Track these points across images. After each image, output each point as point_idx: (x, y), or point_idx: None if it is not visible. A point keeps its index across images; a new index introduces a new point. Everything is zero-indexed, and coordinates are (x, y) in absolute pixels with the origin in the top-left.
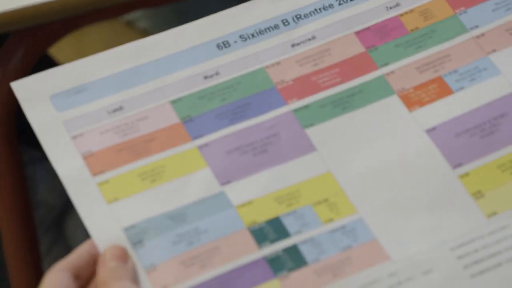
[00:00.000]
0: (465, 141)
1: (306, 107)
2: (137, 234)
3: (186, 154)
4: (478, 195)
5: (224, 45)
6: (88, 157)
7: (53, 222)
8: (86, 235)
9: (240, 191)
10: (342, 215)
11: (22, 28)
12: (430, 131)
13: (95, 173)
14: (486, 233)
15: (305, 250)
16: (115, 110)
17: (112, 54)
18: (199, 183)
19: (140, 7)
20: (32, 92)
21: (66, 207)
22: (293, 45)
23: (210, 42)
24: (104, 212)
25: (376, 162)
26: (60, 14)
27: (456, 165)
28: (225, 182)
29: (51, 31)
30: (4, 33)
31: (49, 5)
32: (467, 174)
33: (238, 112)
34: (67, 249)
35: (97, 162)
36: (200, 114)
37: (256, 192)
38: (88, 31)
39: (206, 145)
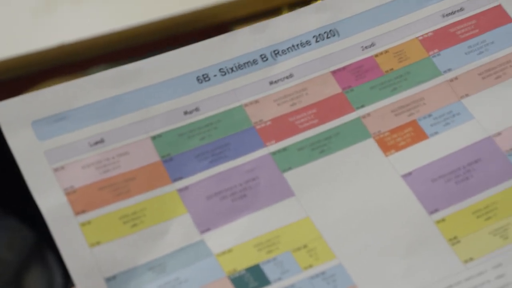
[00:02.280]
0: (440, 187)
1: (284, 149)
2: (118, 286)
3: (166, 197)
4: (454, 240)
5: (204, 78)
6: (70, 194)
7: (11, 279)
8: None
9: (220, 239)
10: (322, 261)
11: None
12: (406, 176)
13: (77, 212)
14: (463, 279)
15: None
16: (96, 143)
17: (93, 80)
18: (179, 230)
19: (105, 62)
20: (13, 116)
21: (24, 264)
22: (271, 83)
23: (190, 74)
24: (87, 257)
25: (353, 206)
26: (21, 71)
27: (433, 211)
28: (204, 230)
29: (12, 87)
30: None
31: (8, 62)
32: (443, 220)
33: (218, 153)
34: None
35: (79, 200)
36: (180, 153)
37: (236, 239)
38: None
39: (186, 188)
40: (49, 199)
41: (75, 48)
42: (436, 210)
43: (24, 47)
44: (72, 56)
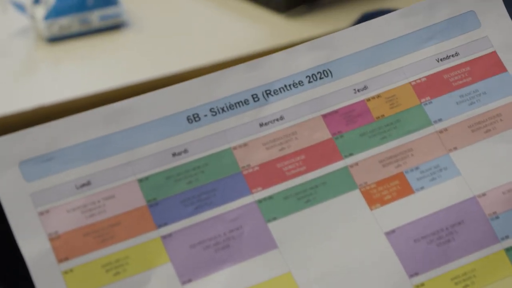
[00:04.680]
0: (422, 248)
1: (270, 198)
2: None
3: (150, 244)
4: None
5: (194, 118)
6: (54, 240)
7: None
8: None
9: None
10: None
11: None
12: (389, 234)
13: (60, 260)
14: None
15: None
16: (83, 185)
17: (82, 119)
18: (161, 281)
19: None
20: (1, 156)
21: None
22: (261, 125)
23: (181, 114)
24: None
25: (335, 263)
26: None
27: (413, 274)
28: (186, 281)
29: None
30: None
31: None
32: (422, 285)
33: (203, 199)
34: None
35: (63, 247)
36: (165, 198)
37: None
38: None
39: (169, 235)
40: (33, 245)
41: (53, 110)
42: (416, 274)
43: (4, 108)
44: (51, 118)
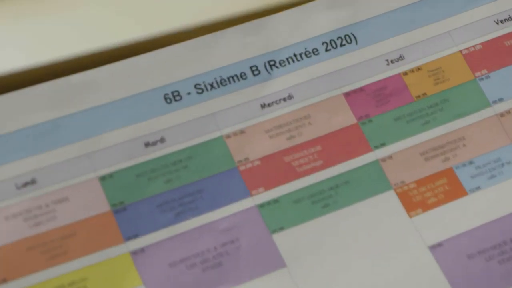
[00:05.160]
0: (479, 266)
1: (275, 201)
2: None
3: (116, 262)
4: None
5: (173, 97)
6: None
7: None
8: None
9: None
10: None
11: None
12: (435, 248)
13: None
14: None
15: None
16: (25, 184)
17: (26, 96)
18: None
19: None
20: None
21: None
22: (263, 106)
23: (156, 91)
24: None
25: (361, 287)
26: None
27: None
28: None
29: None
30: None
31: None
32: None
33: (187, 203)
34: None
35: (1, 266)
36: (136, 201)
37: None
38: None
39: (142, 251)
40: None
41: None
42: None
43: None
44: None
